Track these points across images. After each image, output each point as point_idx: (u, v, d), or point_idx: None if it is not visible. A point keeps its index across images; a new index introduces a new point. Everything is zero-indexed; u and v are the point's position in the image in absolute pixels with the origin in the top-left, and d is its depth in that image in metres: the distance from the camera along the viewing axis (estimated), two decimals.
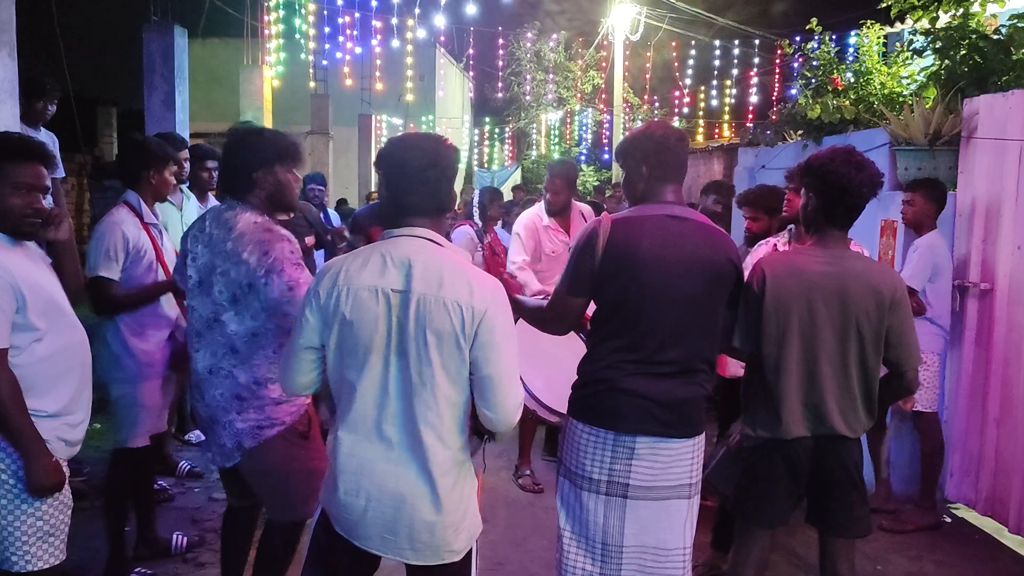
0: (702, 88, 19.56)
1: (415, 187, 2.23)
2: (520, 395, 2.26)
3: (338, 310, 2.17)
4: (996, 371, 4.40)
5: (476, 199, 6.29)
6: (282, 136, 2.97)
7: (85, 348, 2.68)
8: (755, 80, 17.72)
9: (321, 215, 6.90)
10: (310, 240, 6.21)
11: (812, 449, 2.79)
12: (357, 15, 14.96)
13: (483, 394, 2.20)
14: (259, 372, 2.81)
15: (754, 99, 17.42)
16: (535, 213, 5.29)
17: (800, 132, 6.37)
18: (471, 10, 14.20)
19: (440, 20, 14.88)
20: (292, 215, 4.66)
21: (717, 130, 18.93)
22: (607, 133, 22.06)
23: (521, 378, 2.34)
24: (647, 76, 20.79)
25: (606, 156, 22.75)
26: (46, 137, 4.99)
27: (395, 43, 15.32)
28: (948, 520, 4.61)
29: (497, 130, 25.11)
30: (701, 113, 19.75)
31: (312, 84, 17.53)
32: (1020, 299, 4.25)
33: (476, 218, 6.16)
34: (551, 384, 3.34)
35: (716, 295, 2.64)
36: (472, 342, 2.14)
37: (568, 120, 24.20)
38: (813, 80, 6.57)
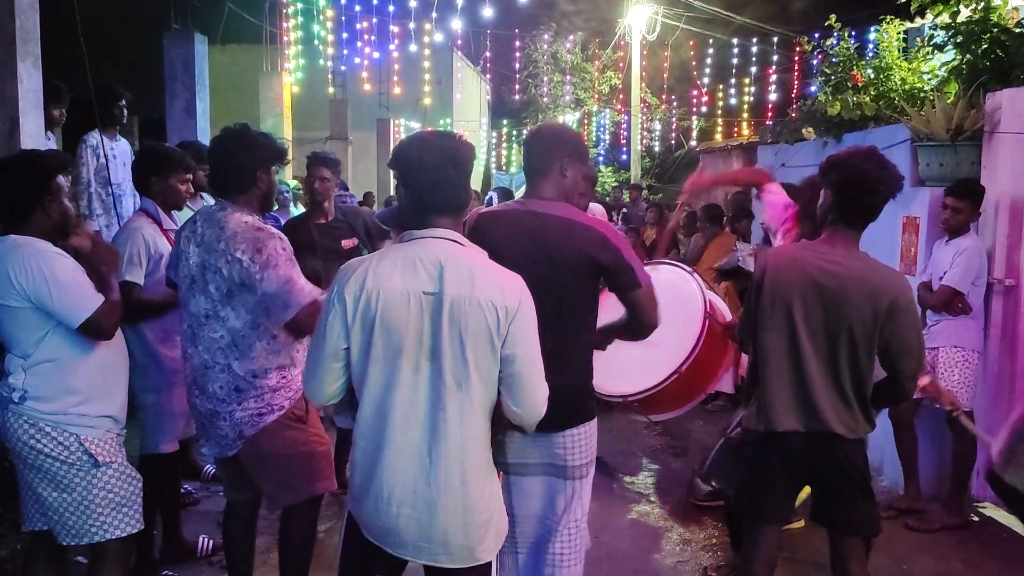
0: (720, 87, 19.46)
1: (435, 187, 2.21)
2: (546, 389, 2.25)
3: (368, 314, 2.14)
4: (1022, 368, 4.35)
5: (490, 200, 6.30)
6: (269, 136, 3.06)
7: (125, 355, 2.96)
8: (774, 78, 17.62)
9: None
10: (348, 243, 6.19)
11: (805, 445, 2.76)
12: (375, 20, 15.05)
13: (512, 390, 2.19)
14: (256, 364, 2.87)
15: (773, 97, 17.33)
16: None
17: (820, 129, 6.33)
18: (487, 13, 14.22)
19: (457, 24, 14.91)
20: (331, 218, 4.69)
21: (736, 129, 18.82)
22: (625, 134, 22.00)
23: None
24: (665, 76, 20.72)
25: (624, 157, 22.69)
26: (54, 144, 5.06)
27: (412, 47, 15.37)
28: (975, 519, 4.56)
29: (515, 132, 25.08)
30: (720, 112, 19.65)
31: (331, 89, 17.60)
32: None
33: None
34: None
35: (568, 287, 2.63)
36: (504, 340, 2.13)
37: (586, 121, 24.11)
38: (832, 77, 6.51)
